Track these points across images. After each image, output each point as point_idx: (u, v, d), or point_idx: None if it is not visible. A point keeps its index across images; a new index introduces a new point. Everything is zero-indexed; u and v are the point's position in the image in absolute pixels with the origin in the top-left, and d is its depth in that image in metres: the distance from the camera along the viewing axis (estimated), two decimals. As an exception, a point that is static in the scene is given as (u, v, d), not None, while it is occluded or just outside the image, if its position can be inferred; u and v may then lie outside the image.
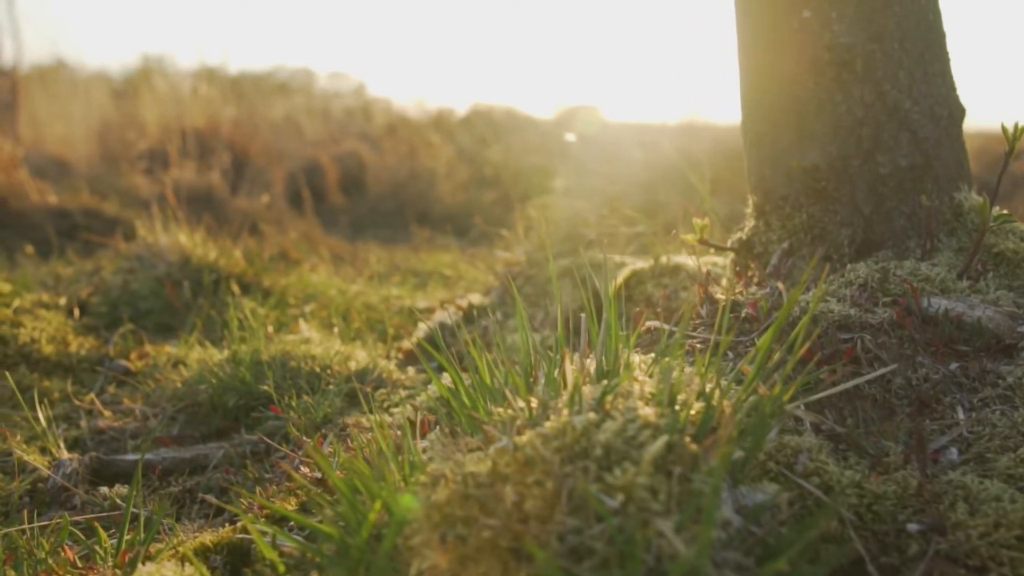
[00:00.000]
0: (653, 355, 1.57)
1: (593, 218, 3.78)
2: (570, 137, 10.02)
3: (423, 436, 1.77)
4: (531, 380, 1.49)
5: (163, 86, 11.89)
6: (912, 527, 1.32)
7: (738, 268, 2.24)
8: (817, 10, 2.10)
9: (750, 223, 2.33)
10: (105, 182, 7.83)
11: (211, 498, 1.48)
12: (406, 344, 3.06)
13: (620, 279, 2.75)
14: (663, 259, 2.78)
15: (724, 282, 2.41)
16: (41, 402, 2.31)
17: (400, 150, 11.98)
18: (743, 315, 1.92)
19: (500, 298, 3.19)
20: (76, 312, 3.27)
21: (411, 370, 2.58)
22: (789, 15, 2.14)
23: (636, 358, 1.54)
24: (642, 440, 1.15)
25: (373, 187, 10.97)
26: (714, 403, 1.27)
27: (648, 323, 2.05)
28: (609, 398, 1.26)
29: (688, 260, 2.84)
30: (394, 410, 2.19)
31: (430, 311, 3.74)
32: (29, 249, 4.61)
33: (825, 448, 1.46)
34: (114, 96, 12.55)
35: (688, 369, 1.42)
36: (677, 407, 1.27)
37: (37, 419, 2.13)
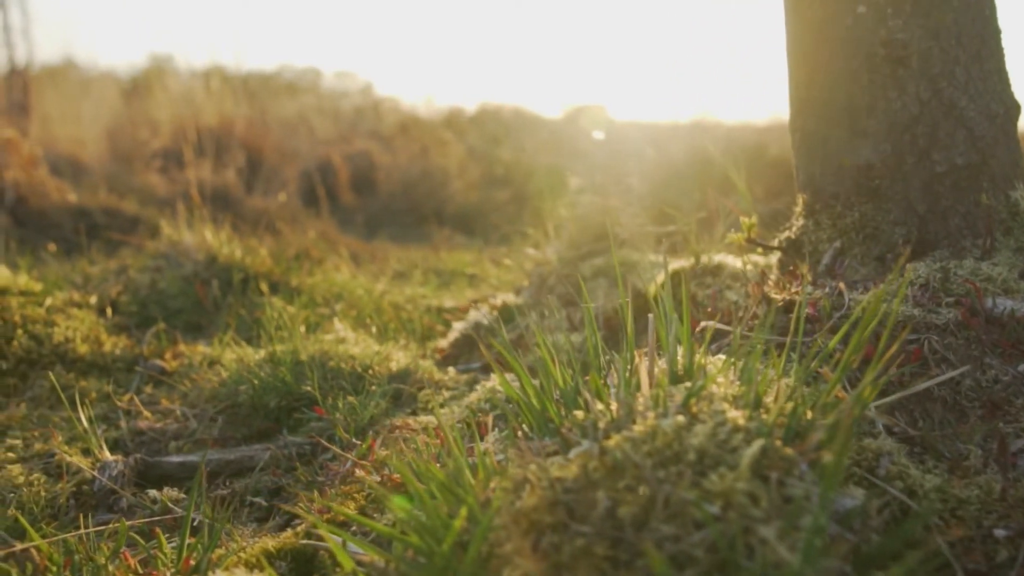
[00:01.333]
0: (722, 356, 1.54)
1: (623, 217, 3.74)
2: (598, 135, 9.98)
3: (481, 438, 1.75)
4: (602, 383, 1.45)
5: (175, 85, 11.87)
6: (999, 532, 1.29)
7: (791, 268, 2.21)
8: (872, 5, 2.07)
9: (799, 222, 2.30)
10: (120, 181, 7.82)
11: (262, 501, 1.46)
12: (441, 344, 3.03)
13: (661, 278, 2.71)
14: (704, 258, 2.75)
15: (771, 281, 2.37)
16: (79, 402, 2.27)
17: (411, 149, 11.96)
18: (803, 315, 1.88)
19: (534, 297, 3.16)
20: (109, 311, 3.24)
21: (451, 370, 2.55)
22: (842, 11, 2.10)
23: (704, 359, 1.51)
24: (735, 444, 1.13)
25: (384, 186, 10.95)
26: (800, 406, 1.24)
27: (703, 323, 2.01)
28: (693, 401, 1.23)
29: (728, 259, 2.80)
30: (440, 411, 2.16)
31: (459, 310, 3.71)
32: (52, 247, 4.58)
33: (902, 451, 1.43)
34: (124, 95, 12.55)
35: (761, 370, 1.39)
36: (763, 410, 1.24)
37: (79, 420, 2.10)
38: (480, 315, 3.08)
